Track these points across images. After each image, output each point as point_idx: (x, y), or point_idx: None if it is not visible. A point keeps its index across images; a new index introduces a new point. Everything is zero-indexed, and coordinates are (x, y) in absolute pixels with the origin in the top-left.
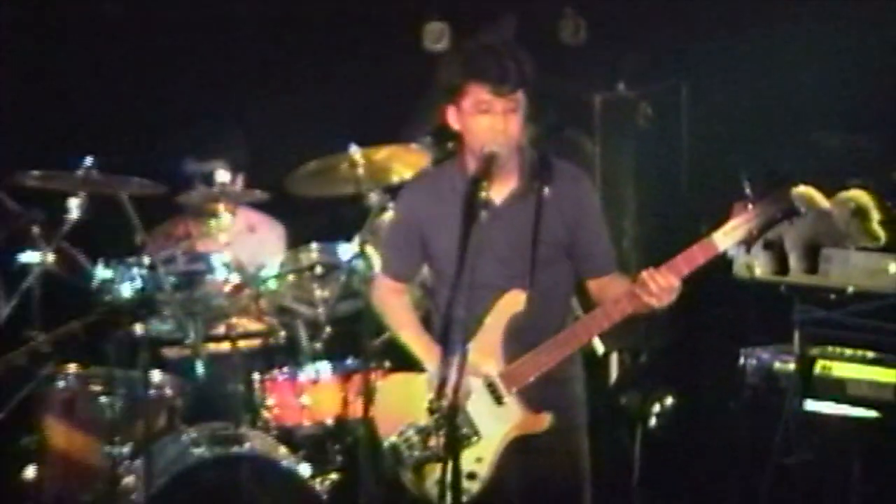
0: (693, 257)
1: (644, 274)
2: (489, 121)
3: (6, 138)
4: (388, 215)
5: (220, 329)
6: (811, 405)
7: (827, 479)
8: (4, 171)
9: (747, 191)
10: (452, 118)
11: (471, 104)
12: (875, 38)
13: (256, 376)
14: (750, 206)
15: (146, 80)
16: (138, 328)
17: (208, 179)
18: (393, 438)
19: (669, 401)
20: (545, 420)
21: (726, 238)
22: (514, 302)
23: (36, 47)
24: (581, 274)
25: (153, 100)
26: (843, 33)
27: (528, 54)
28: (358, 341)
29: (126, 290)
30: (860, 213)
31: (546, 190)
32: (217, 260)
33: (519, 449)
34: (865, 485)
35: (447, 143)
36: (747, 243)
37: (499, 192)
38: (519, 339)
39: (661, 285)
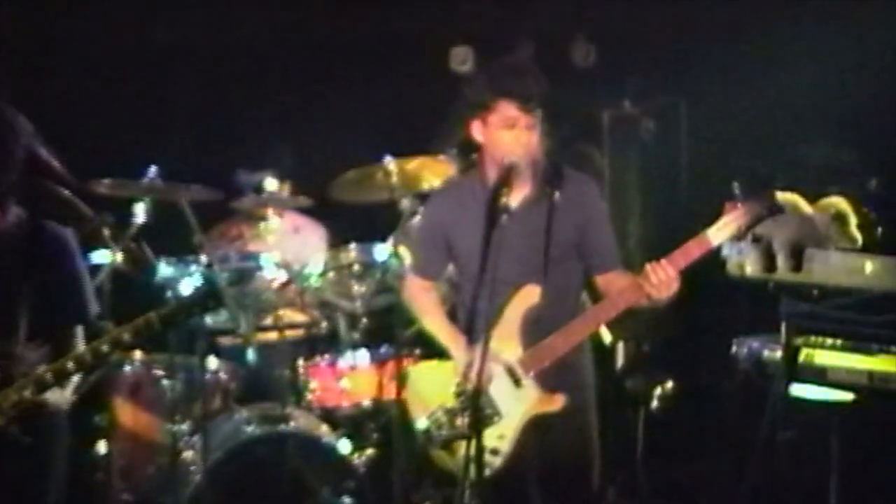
0: (689, 251)
1: (647, 266)
2: (514, 135)
3: (80, 149)
4: (419, 219)
5: (269, 320)
6: (796, 389)
7: (809, 453)
8: (78, 179)
9: (736, 191)
10: (477, 131)
11: (498, 119)
12: (855, 63)
13: (301, 362)
14: (739, 205)
15: (206, 98)
16: (202, 319)
17: (259, 187)
18: (424, 419)
19: (669, 385)
20: (559, 400)
21: (719, 234)
22: (530, 295)
23: (104, 69)
24: (589, 270)
25: (211, 116)
26: (827, 58)
27: (545, 75)
28: (391, 331)
29: (186, 286)
30: (840, 217)
31: (557, 195)
32: (266, 259)
33: (536, 427)
34: (843, 458)
35: (471, 155)
36: (738, 238)
37: (515, 197)
38: (535, 328)
39: (661, 277)
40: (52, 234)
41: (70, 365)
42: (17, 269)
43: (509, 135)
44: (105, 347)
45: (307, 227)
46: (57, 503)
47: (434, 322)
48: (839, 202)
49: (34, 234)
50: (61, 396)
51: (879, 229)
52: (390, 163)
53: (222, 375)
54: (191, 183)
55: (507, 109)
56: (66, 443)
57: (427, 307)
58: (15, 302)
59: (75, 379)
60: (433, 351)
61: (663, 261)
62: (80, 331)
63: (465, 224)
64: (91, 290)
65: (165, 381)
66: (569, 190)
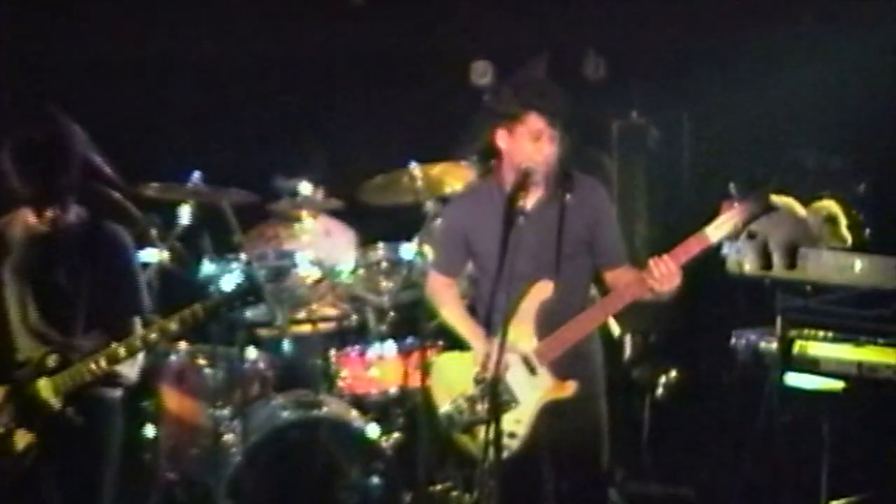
0: (689, 247)
1: (651, 261)
2: (537, 146)
3: (130, 156)
4: (440, 220)
5: (303, 314)
6: (790, 378)
7: (802, 437)
8: (128, 184)
9: (733, 192)
10: (502, 139)
11: (525, 130)
12: (847, 78)
13: (332, 352)
14: (735, 204)
15: (247, 109)
16: (242, 313)
17: (294, 191)
18: (446, 405)
19: (673, 374)
20: (571, 387)
21: (717, 231)
22: (543, 290)
23: (152, 82)
24: (598, 266)
25: (252, 125)
26: (820, 72)
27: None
28: (416, 324)
29: (227, 282)
30: (831, 219)
31: (568, 197)
32: (301, 257)
33: (550, 412)
34: (834, 442)
35: (489, 161)
36: (735, 234)
37: (530, 199)
38: (548, 320)
39: (663, 270)
40: (109, 233)
41: (122, 351)
42: (78, 265)
43: (533, 146)
44: (154, 336)
45: (337, 229)
46: (111, 480)
47: (454, 315)
48: (831, 205)
49: (93, 232)
50: (130, 371)
51: (868, 230)
52: (415, 168)
53: (260, 364)
54: (231, 187)
55: (536, 122)
56: (120, 426)
57: (448, 301)
58: (74, 295)
59: (140, 360)
60: (455, 342)
61: (665, 256)
62: (133, 322)
63: (483, 225)
64: (144, 285)
65: (208, 370)
66: (579, 192)
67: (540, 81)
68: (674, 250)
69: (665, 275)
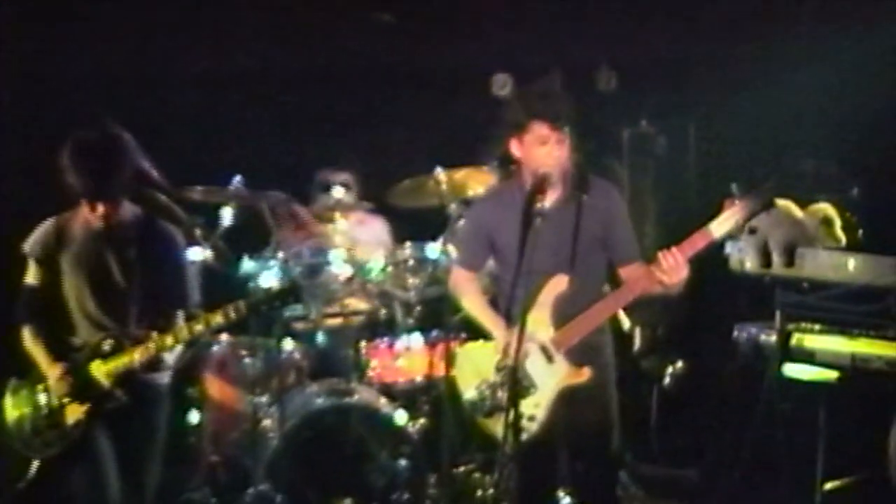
0: (695, 242)
1: (659, 254)
2: (546, 150)
3: (176, 162)
4: (465, 220)
5: (336, 308)
6: (788, 368)
7: (800, 423)
8: (174, 187)
9: (734, 191)
10: (515, 148)
11: (533, 138)
12: (840, 90)
13: (363, 344)
14: (736, 201)
15: (285, 119)
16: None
17: (328, 194)
18: (470, 391)
19: (679, 365)
20: (585, 373)
21: (719, 227)
22: (560, 284)
23: (197, 94)
24: (613, 261)
25: (290, 134)
26: (816, 85)
27: (573, 98)
28: (441, 317)
29: (265, 279)
30: (827, 221)
31: (584, 198)
32: (334, 255)
33: (566, 398)
34: (829, 428)
35: (509, 166)
36: (736, 230)
37: (549, 199)
38: (564, 312)
39: (671, 262)
40: (163, 230)
41: (169, 340)
42: (132, 259)
43: (542, 150)
44: (199, 327)
45: (371, 221)
46: (158, 460)
47: (477, 307)
48: (826, 208)
49: (148, 230)
50: (170, 357)
51: (860, 231)
52: (440, 173)
53: (296, 355)
54: (270, 190)
55: (540, 129)
56: (167, 411)
57: (471, 294)
58: (128, 287)
59: (179, 349)
60: (477, 333)
61: (673, 248)
62: (179, 314)
63: (505, 224)
64: (194, 280)
65: (248, 360)
66: (595, 194)
67: (542, 91)
68: (680, 245)
69: (673, 267)
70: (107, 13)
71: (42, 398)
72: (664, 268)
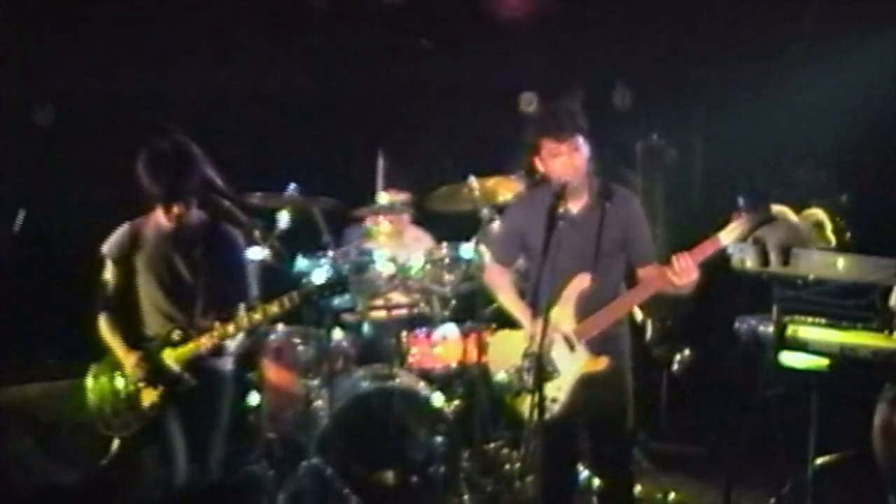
0: (704, 248)
1: (672, 257)
2: (561, 161)
3: (238, 169)
4: (496, 224)
5: (380, 302)
6: (784, 356)
7: (793, 406)
8: (236, 193)
9: (741, 204)
10: (538, 162)
11: (546, 152)
12: (831, 108)
13: (404, 334)
14: (742, 214)
15: (336, 131)
16: (330, 301)
17: (372, 199)
18: (500, 374)
19: (687, 353)
20: (603, 362)
21: (727, 236)
22: (582, 281)
23: (260, 111)
24: (631, 262)
25: (339, 146)
26: (810, 103)
27: (584, 111)
28: (474, 310)
29: (317, 276)
30: (819, 224)
31: (607, 205)
32: (378, 255)
33: (586, 382)
34: (820, 411)
35: (535, 175)
36: (742, 240)
37: (575, 206)
38: (585, 306)
39: (682, 265)
40: (226, 232)
41: (231, 329)
42: (198, 257)
43: (557, 161)
44: (257, 316)
45: (417, 234)
46: (222, 437)
47: (508, 299)
48: (818, 213)
49: (213, 231)
50: (232, 343)
51: (849, 234)
52: (473, 181)
53: (344, 343)
54: (322, 196)
55: (549, 144)
56: (230, 393)
57: (503, 287)
58: (195, 283)
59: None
60: (507, 323)
61: (685, 253)
62: (241, 306)
63: (535, 225)
64: (253, 277)
65: (301, 347)
66: (616, 201)
67: (548, 109)
68: (692, 250)
69: (684, 269)
70: (186, 38)
71: (120, 383)
72: (676, 269)
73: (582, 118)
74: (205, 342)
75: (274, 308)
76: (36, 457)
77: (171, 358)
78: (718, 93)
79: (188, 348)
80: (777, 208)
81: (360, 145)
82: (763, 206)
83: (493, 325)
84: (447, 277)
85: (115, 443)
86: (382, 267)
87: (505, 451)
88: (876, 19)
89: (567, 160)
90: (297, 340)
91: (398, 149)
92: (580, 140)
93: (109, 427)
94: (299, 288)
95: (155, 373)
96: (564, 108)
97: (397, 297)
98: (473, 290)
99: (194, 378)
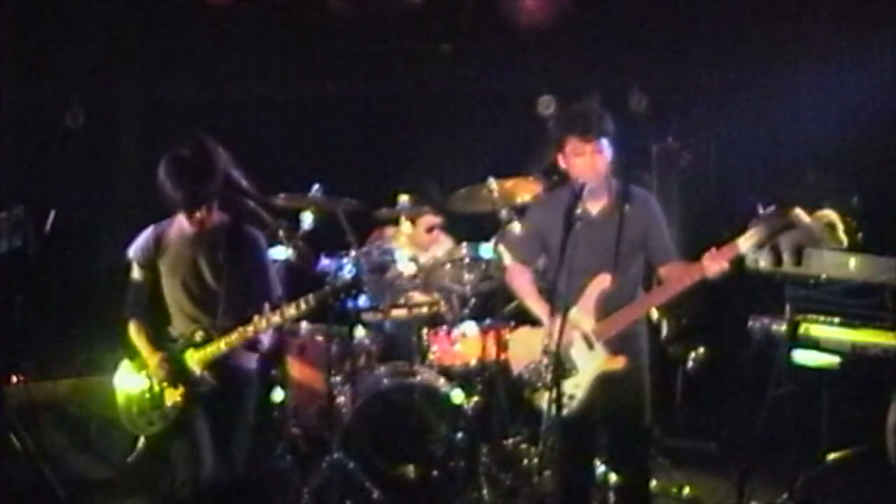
0: (723, 253)
1: (708, 253)
2: (584, 160)
3: (263, 171)
4: (515, 225)
5: (401, 300)
6: (796, 354)
7: (806, 403)
8: (261, 194)
9: (760, 212)
10: (561, 160)
11: (570, 150)
12: (842, 112)
13: (425, 331)
14: (761, 223)
15: (359, 139)
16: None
17: (394, 202)
18: (520, 370)
19: (702, 350)
20: (621, 361)
21: (745, 242)
22: (602, 281)
23: (287, 119)
24: (652, 262)
25: (362, 149)
26: (821, 106)
27: (606, 115)
28: (493, 308)
29: (340, 276)
30: (830, 225)
31: (627, 206)
32: (400, 254)
33: (604, 380)
34: (831, 407)
35: (553, 176)
36: (759, 246)
37: (595, 207)
38: (605, 306)
39: (715, 255)
40: (248, 234)
41: (250, 330)
42: (221, 260)
43: (580, 161)
44: (276, 318)
45: (439, 239)
46: (248, 431)
47: (528, 297)
48: (830, 214)
49: (235, 234)
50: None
51: (860, 235)
52: (492, 182)
53: (366, 341)
54: (345, 197)
55: (574, 143)
56: (256, 389)
57: (524, 286)
58: (218, 285)
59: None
60: (526, 320)
61: (716, 252)
62: (264, 306)
63: (555, 225)
64: (275, 277)
65: (325, 345)
66: (636, 203)
67: (575, 110)
68: (720, 250)
69: (716, 256)
70: (216, 44)
71: (145, 382)
72: (713, 254)
73: (609, 123)
74: (226, 344)
75: (291, 311)
76: (66, 450)
77: (193, 359)
78: (733, 96)
79: (210, 349)
80: (790, 210)
81: (381, 147)
82: (780, 215)
83: (512, 324)
84: (467, 277)
85: (141, 441)
86: (404, 267)
87: (523, 446)
88: (881, 21)
89: (589, 160)
90: (321, 338)
91: (420, 152)
92: (604, 143)
93: (135, 425)
94: (315, 292)
95: (177, 373)
96: (595, 110)
97: (418, 296)
98: (492, 289)
99: (219, 377)
